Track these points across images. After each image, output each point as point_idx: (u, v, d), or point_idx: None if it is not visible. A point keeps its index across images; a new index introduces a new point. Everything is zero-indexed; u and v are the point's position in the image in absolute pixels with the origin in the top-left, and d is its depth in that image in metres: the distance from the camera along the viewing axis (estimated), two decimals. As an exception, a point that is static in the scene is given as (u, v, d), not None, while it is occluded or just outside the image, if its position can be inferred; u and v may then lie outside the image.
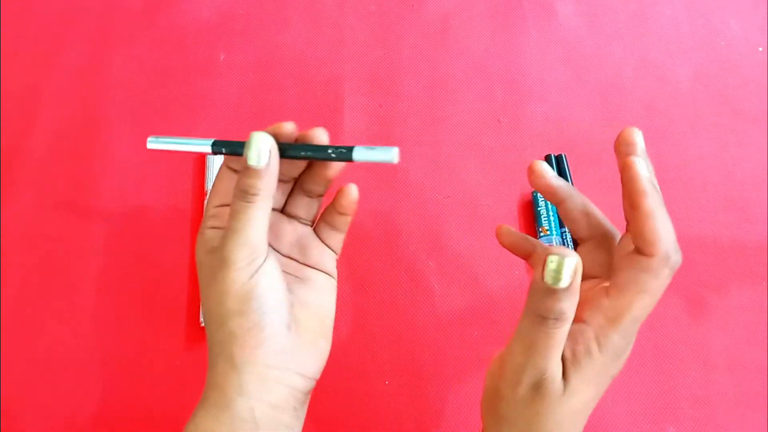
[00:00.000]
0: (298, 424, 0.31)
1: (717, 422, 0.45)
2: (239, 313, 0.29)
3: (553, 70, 0.56)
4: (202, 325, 0.46)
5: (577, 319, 0.28)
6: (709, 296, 0.48)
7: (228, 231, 0.29)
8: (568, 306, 0.26)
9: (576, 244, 0.50)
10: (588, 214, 0.32)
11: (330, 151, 0.30)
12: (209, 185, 0.51)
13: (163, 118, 0.55)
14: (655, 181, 0.29)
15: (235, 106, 0.55)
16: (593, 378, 0.28)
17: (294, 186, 0.34)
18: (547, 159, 0.52)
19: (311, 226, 0.35)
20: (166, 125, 0.55)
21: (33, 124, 0.55)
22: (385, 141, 0.54)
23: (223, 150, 0.31)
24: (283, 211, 0.34)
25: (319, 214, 0.35)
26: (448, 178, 0.52)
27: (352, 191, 0.34)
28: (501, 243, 0.36)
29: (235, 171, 0.32)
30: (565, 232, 0.50)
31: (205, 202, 0.32)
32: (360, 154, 0.29)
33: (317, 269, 0.34)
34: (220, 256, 0.29)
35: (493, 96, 0.55)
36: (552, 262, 0.25)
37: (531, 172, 0.32)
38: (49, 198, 0.52)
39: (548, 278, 0.25)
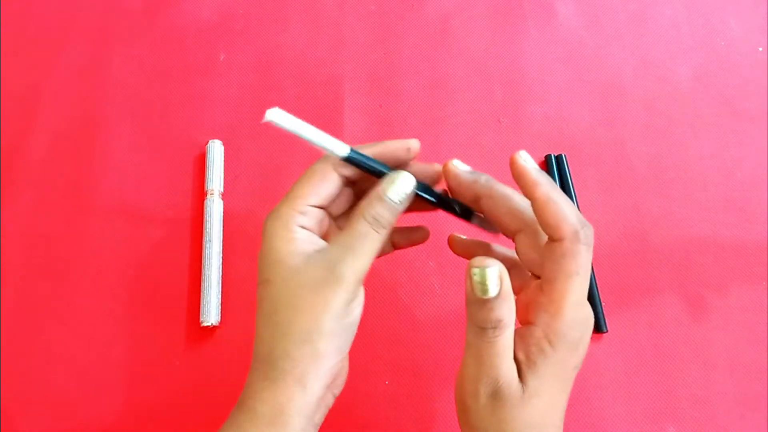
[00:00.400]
0: None
1: (717, 422, 0.45)
2: (333, 335, 0.28)
3: (553, 70, 0.56)
4: (203, 325, 0.46)
5: (525, 322, 0.28)
6: (709, 296, 0.48)
7: (347, 248, 0.28)
8: (504, 312, 0.26)
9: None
10: (512, 209, 0.30)
11: (456, 206, 0.31)
12: (209, 185, 0.51)
13: (163, 118, 0.55)
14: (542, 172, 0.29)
15: (235, 106, 0.55)
16: (553, 375, 0.27)
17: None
18: (547, 159, 0.52)
19: None
20: (166, 125, 0.55)
21: (33, 124, 0.55)
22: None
23: (362, 164, 0.29)
24: (338, 217, 0.33)
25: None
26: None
27: (426, 235, 0.35)
28: (453, 251, 0.35)
29: (346, 177, 0.31)
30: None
31: (296, 192, 0.30)
32: (477, 220, 0.30)
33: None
34: (334, 271, 0.28)
35: (493, 96, 0.55)
36: (476, 275, 0.26)
37: (445, 174, 0.31)
38: (49, 198, 0.52)
39: (476, 290, 0.26)
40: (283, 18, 0.59)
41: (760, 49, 0.57)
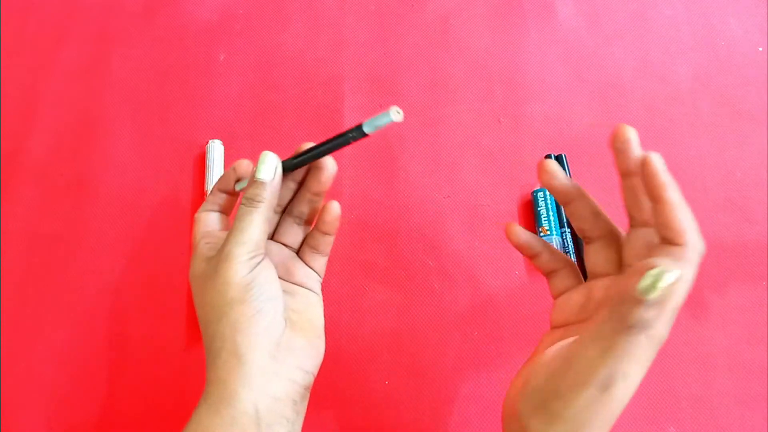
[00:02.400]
0: (298, 419, 0.32)
1: (717, 422, 0.45)
2: (241, 301, 0.30)
3: (553, 70, 0.56)
4: (202, 325, 0.46)
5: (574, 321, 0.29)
6: (709, 296, 0.48)
7: (231, 231, 0.32)
8: (655, 316, 0.25)
9: (576, 244, 0.50)
10: (597, 214, 0.33)
11: (349, 135, 0.32)
12: (209, 185, 0.51)
13: (163, 118, 0.55)
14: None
15: (235, 106, 0.55)
16: (644, 371, 0.28)
17: (282, 215, 0.37)
18: (547, 159, 0.52)
19: (296, 252, 0.38)
20: (166, 125, 0.55)
21: (33, 124, 0.55)
22: (385, 140, 0.54)
23: (289, 165, 0.34)
24: (272, 238, 0.37)
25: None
26: (448, 178, 0.52)
27: (335, 207, 0.37)
28: (511, 241, 0.35)
29: (219, 209, 0.36)
30: (565, 232, 0.50)
31: (194, 234, 0.35)
32: (369, 126, 0.31)
33: (302, 287, 0.36)
34: (222, 253, 0.31)
35: (493, 96, 0.55)
36: (652, 277, 0.24)
37: (542, 170, 0.33)
38: (49, 198, 0.52)
39: (644, 290, 0.24)
40: (283, 18, 0.59)
41: (760, 49, 0.57)
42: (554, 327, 0.33)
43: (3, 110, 0.56)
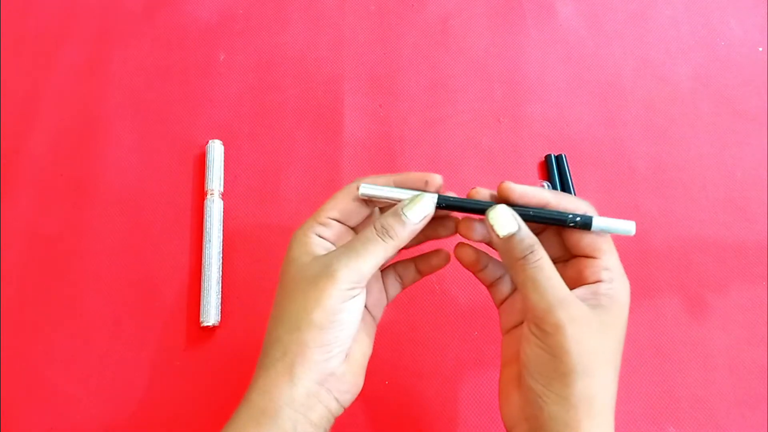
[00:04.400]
0: None
1: (717, 422, 0.45)
2: (320, 327, 0.29)
3: (553, 70, 0.56)
4: (203, 325, 0.46)
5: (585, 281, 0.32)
6: (709, 296, 0.48)
7: (347, 249, 0.30)
8: (532, 239, 0.30)
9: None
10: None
11: (570, 217, 0.31)
12: (209, 185, 0.51)
13: (163, 118, 0.55)
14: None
15: (235, 106, 0.55)
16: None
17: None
18: (547, 159, 0.52)
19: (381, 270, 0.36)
20: (166, 125, 0.55)
21: (33, 124, 0.55)
22: (385, 141, 0.54)
23: (444, 205, 0.32)
24: None
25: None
26: (448, 178, 0.52)
27: (443, 256, 0.36)
28: (462, 262, 0.36)
29: (363, 204, 0.33)
30: (565, 232, 0.50)
31: (321, 207, 0.33)
32: (600, 226, 0.31)
33: (369, 312, 0.35)
34: (329, 267, 0.30)
35: (493, 96, 0.55)
36: (492, 218, 0.30)
37: (503, 191, 0.33)
38: (49, 198, 0.52)
39: (499, 230, 0.30)
40: (283, 18, 0.59)
41: (760, 49, 0.57)
42: (507, 330, 0.35)
43: (3, 110, 0.56)
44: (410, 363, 0.47)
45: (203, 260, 0.48)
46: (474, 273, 0.37)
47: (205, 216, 0.50)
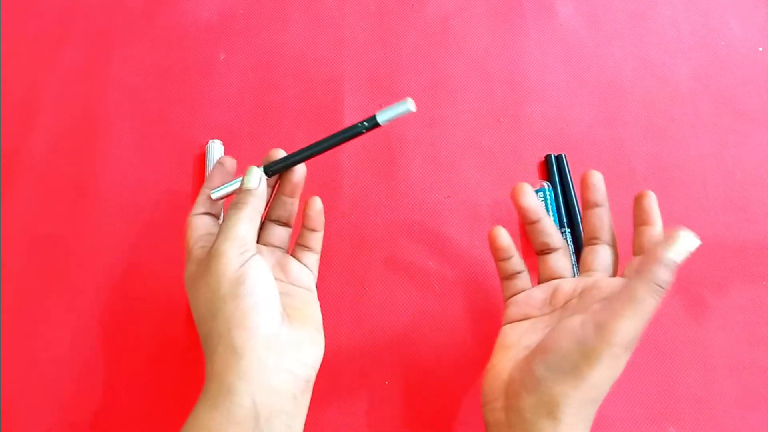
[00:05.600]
0: (299, 413, 0.32)
1: (717, 422, 0.45)
2: (234, 296, 0.31)
3: (553, 70, 0.56)
4: (202, 325, 0.46)
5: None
6: (709, 296, 0.48)
7: (219, 231, 0.33)
8: (672, 278, 0.31)
9: (576, 244, 0.50)
10: (557, 230, 0.40)
11: (361, 126, 0.35)
12: (209, 185, 0.51)
13: (163, 118, 0.55)
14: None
15: (235, 106, 0.55)
16: None
17: (263, 222, 0.39)
18: (547, 159, 0.52)
19: (288, 252, 0.40)
20: (166, 125, 0.55)
21: (33, 124, 0.55)
22: (385, 141, 0.54)
23: (271, 170, 0.37)
24: (258, 242, 0.39)
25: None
26: (448, 178, 0.52)
27: (316, 202, 0.39)
28: (494, 247, 0.40)
29: (210, 215, 0.37)
30: (565, 231, 0.50)
31: (187, 239, 0.36)
32: (383, 116, 0.34)
33: (298, 286, 0.37)
34: (211, 252, 0.32)
35: (493, 96, 0.55)
36: (684, 241, 0.30)
37: (517, 192, 0.38)
38: (49, 198, 0.52)
39: (676, 255, 0.30)
40: (283, 18, 0.59)
41: (760, 49, 0.57)
42: (512, 322, 0.38)
43: (3, 110, 0.56)
44: (410, 363, 0.47)
45: (203, 260, 0.48)
46: (497, 260, 0.40)
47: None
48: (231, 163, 0.39)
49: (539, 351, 0.32)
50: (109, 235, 0.51)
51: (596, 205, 0.38)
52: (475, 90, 0.56)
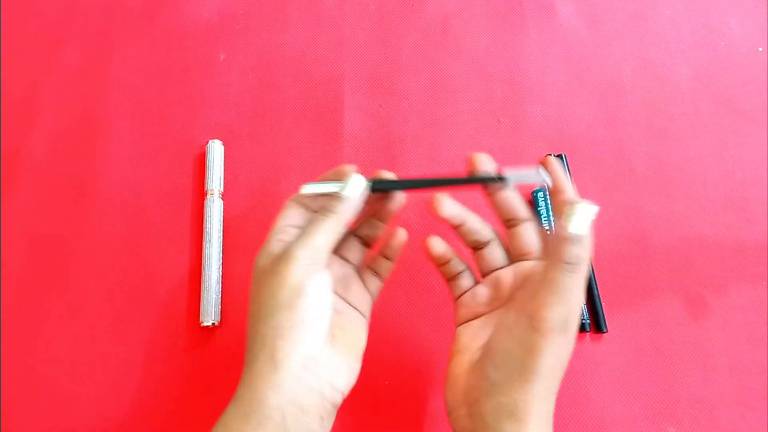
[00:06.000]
0: None
1: (717, 422, 0.45)
2: (289, 306, 0.30)
3: (553, 70, 0.56)
4: (203, 325, 0.46)
5: None
6: (709, 296, 0.48)
7: (300, 234, 0.32)
8: (584, 252, 0.29)
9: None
10: (484, 225, 0.38)
11: (488, 179, 0.34)
12: (209, 185, 0.51)
13: (163, 118, 0.55)
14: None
15: (235, 106, 0.55)
16: (580, 310, 0.32)
17: (349, 233, 0.38)
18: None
19: (357, 270, 0.38)
20: (166, 125, 0.55)
21: (33, 124, 0.55)
22: (385, 141, 0.54)
23: (378, 188, 0.36)
24: (335, 252, 0.37)
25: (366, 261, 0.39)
26: (448, 178, 0.52)
27: (401, 235, 0.38)
28: (432, 258, 0.38)
29: (307, 208, 0.35)
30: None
31: (275, 222, 0.35)
32: (515, 178, 0.34)
33: (354, 307, 0.37)
34: (286, 252, 0.32)
35: (493, 96, 0.55)
36: (577, 212, 0.29)
37: (436, 203, 0.37)
38: (49, 198, 0.52)
39: (574, 226, 0.29)
40: (283, 18, 0.59)
41: (760, 49, 0.57)
42: (465, 322, 0.37)
43: (3, 110, 0.56)
44: (410, 363, 0.47)
45: (203, 260, 0.48)
46: (437, 266, 0.38)
47: (205, 216, 0.50)
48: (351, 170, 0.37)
49: (486, 354, 0.32)
50: (109, 235, 0.51)
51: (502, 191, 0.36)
52: (475, 90, 0.56)
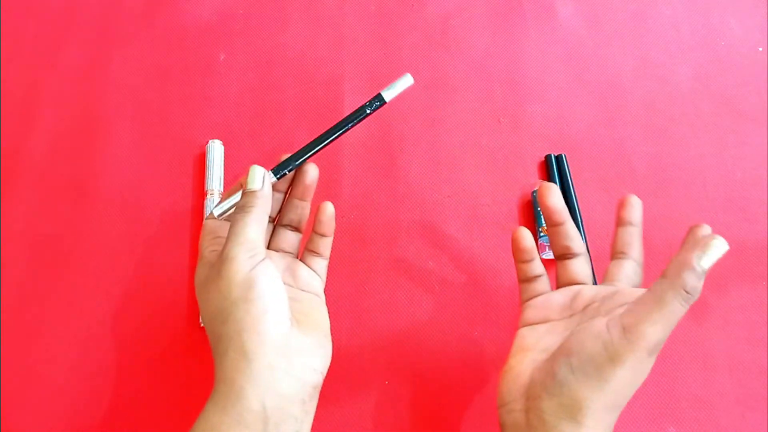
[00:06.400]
0: (306, 418, 0.32)
1: (717, 422, 0.45)
2: (245, 300, 0.31)
3: (553, 70, 0.56)
4: (202, 325, 0.46)
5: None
6: (709, 296, 0.48)
7: (228, 237, 0.33)
8: (701, 284, 0.31)
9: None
10: (579, 235, 0.39)
11: (366, 109, 0.35)
12: (209, 185, 0.51)
13: (163, 118, 0.55)
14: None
15: (235, 106, 0.55)
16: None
17: (275, 226, 0.39)
18: (547, 159, 0.52)
19: (297, 257, 0.40)
20: (166, 125, 0.55)
21: (33, 124, 0.55)
22: (385, 141, 0.54)
23: (279, 172, 0.37)
24: (269, 247, 0.39)
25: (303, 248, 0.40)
26: (448, 178, 0.52)
27: (328, 207, 0.39)
28: (517, 245, 0.39)
29: (218, 218, 0.37)
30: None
31: (200, 241, 0.37)
32: (389, 93, 0.35)
33: (307, 291, 0.37)
34: (222, 257, 0.32)
35: (493, 96, 0.55)
36: (715, 247, 0.30)
37: (544, 190, 0.38)
38: (50, 198, 0.52)
39: (706, 262, 0.30)
40: (283, 18, 0.59)
41: (760, 49, 0.57)
42: (529, 324, 0.37)
43: (3, 110, 0.56)
44: (410, 363, 0.47)
45: (203, 260, 0.48)
46: (517, 261, 0.39)
47: (205, 216, 0.50)
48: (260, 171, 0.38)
49: (562, 353, 0.32)
50: (109, 235, 0.51)
51: (629, 224, 0.38)
52: (475, 90, 0.56)
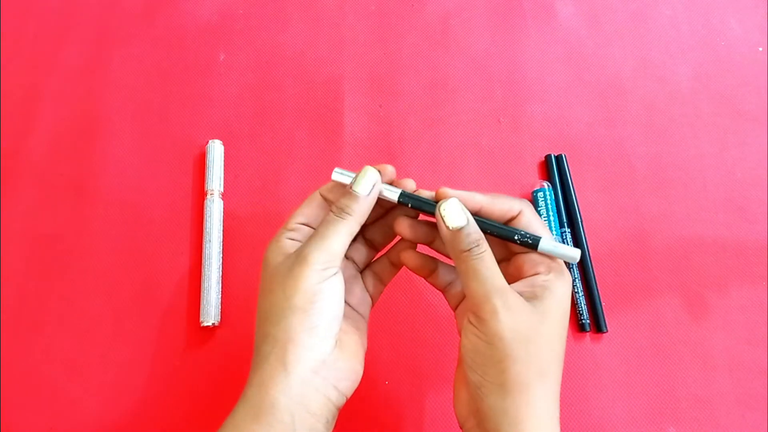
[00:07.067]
0: None
1: (717, 422, 0.45)
2: (303, 311, 0.30)
3: (553, 70, 0.56)
4: (203, 325, 0.46)
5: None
6: (709, 296, 0.48)
7: (314, 236, 0.32)
8: (478, 234, 0.31)
9: (576, 244, 0.50)
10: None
11: (516, 237, 0.33)
12: (209, 185, 0.51)
13: (163, 118, 0.55)
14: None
15: (235, 106, 0.55)
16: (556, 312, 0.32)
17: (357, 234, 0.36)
18: (547, 159, 0.52)
19: (360, 272, 0.38)
20: (166, 125, 0.55)
21: (33, 124, 0.55)
22: (385, 141, 0.54)
23: (409, 204, 0.34)
24: None
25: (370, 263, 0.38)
26: (448, 178, 0.52)
27: (411, 246, 0.37)
28: (408, 267, 0.37)
29: (328, 200, 0.35)
30: (565, 231, 0.50)
31: (292, 213, 0.35)
32: (546, 246, 0.32)
33: (356, 310, 0.36)
34: (300, 255, 0.31)
35: (493, 96, 0.55)
36: (444, 210, 0.31)
37: (397, 224, 0.36)
38: (49, 198, 0.52)
39: (449, 222, 0.31)
40: (283, 18, 0.59)
41: (760, 49, 0.57)
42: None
43: (3, 110, 0.56)
44: (410, 363, 0.47)
45: (203, 260, 0.48)
46: (424, 278, 0.37)
47: (205, 216, 0.50)
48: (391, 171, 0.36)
49: (461, 360, 0.32)
50: (109, 235, 0.51)
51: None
52: (475, 90, 0.56)
